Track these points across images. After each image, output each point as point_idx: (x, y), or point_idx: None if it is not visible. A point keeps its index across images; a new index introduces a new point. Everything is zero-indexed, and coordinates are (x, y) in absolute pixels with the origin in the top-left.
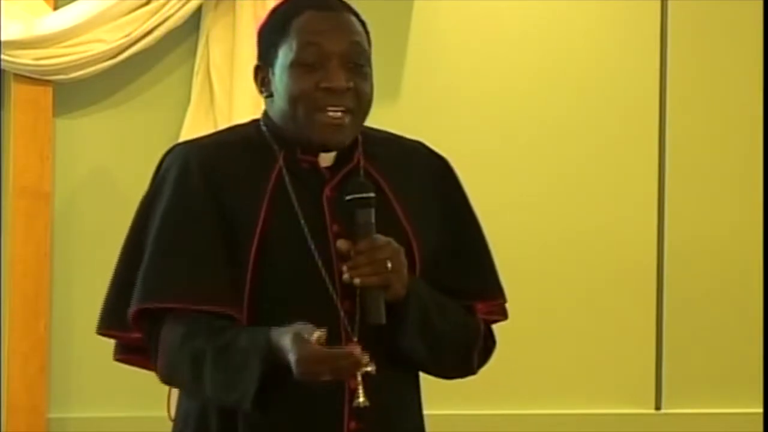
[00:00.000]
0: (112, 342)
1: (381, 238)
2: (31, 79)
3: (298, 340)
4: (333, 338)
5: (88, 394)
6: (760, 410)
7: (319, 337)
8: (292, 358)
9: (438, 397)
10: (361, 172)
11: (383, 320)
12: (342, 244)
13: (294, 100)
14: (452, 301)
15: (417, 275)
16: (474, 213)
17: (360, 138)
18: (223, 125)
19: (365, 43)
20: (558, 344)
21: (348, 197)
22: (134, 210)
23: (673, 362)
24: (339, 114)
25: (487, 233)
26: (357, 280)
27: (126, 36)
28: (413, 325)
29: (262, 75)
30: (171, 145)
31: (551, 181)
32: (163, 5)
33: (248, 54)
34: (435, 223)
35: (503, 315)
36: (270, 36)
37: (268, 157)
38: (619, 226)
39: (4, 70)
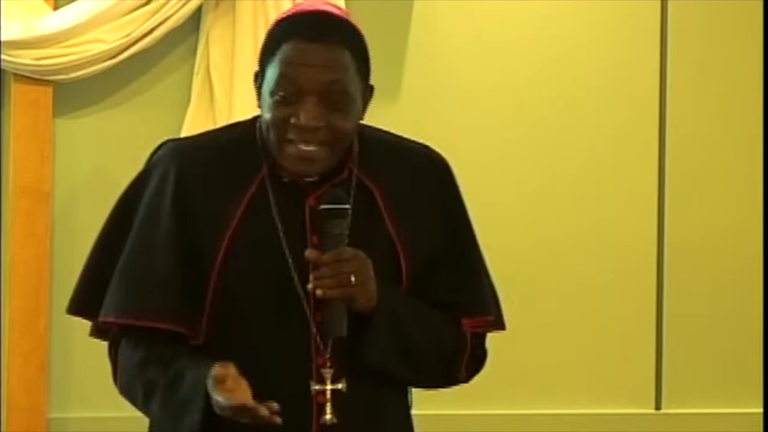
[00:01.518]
0: None
1: (348, 251)
2: (31, 79)
3: (213, 386)
4: (304, 351)
5: (88, 394)
6: (760, 410)
7: (216, 376)
8: (214, 403)
9: (438, 397)
10: (353, 182)
11: (344, 333)
12: (310, 253)
13: (267, 126)
14: (437, 312)
15: (404, 286)
16: (471, 225)
17: (357, 146)
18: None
19: (349, 79)
20: (558, 344)
21: (321, 207)
22: None
23: (673, 362)
24: (310, 148)
25: (487, 233)
26: (319, 292)
27: (126, 36)
28: (383, 338)
29: (258, 83)
30: None
31: (551, 180)
32: (163, 5)
33: (248, 54)
34: (432, 234)
35: (495, 328)
36: (264, 51)
37: (254, 163)
38: (619, 226)
39: (4, 70)
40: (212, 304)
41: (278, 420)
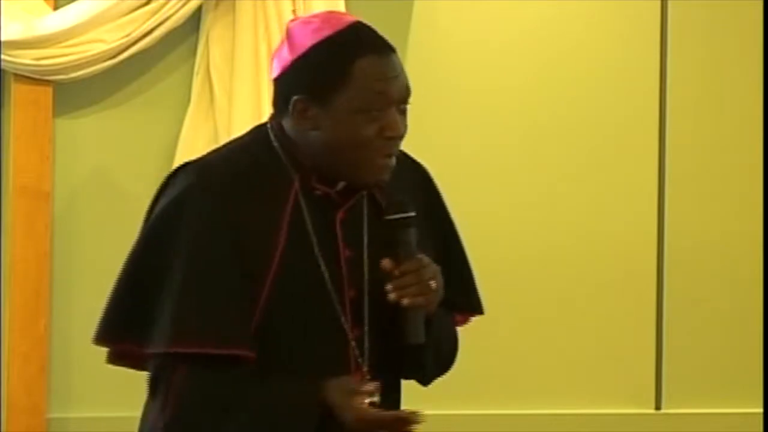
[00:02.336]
0: None
1: (425, 258)
2: (31, 79)
3: (347, 397)
4: (342, 366)
5: (88, 394)
6: (760, 410)
7: (371, 392)
8: (345, 416)
9: (438, 397)
10: (365, 192)
11: (423, 339)
12: (386, 263)
13: (354, 146)
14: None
15: None
16: (454, 224)
17: None
18: (222, 125)
19: None
20: (558, 344)
21: (389, 218)
22: (134, 209)
23: (673, 362)
24: (392, 157)
25: (487, 233)
26: (406, 300)
27: (126, 36)
28: (433, 341)
29: (304, 107)
30: (170, 145)
31: (551, 180)
32: (163, 5)
33: (248, 54)
34: (428, 235)
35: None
36: (326, 74)
37: (282, 183)
38: (619, 226)
39: (4, 70)
40: (258, 325)
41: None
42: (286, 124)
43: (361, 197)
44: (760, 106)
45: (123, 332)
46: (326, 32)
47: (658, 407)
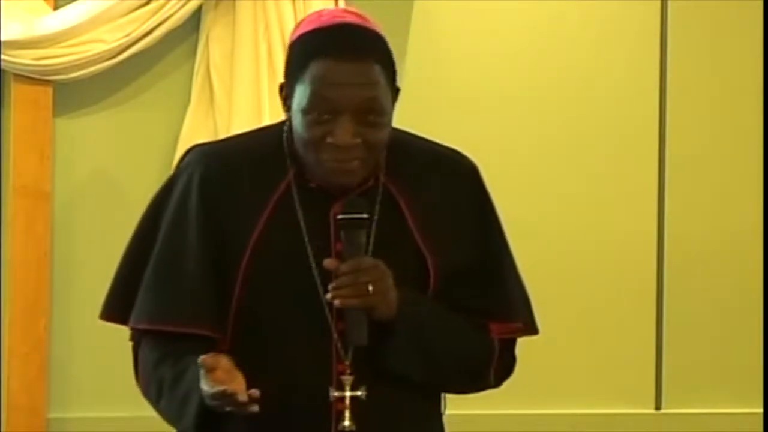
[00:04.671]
0: (112, 341)
1: (367, 260)
2: (31, 79)
3: (202, 375)
4: (325, 358)
5: (88, 394)
6: (760, 410)
7: (204, 364)
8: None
9: None
10: (380, 190)
11: (365, 342)
12: (329, 263)
13: (303, 145)
14: (465, 319)
15: (431, 293)
16: (501, 230)
17: (385, 153)
18: (222, 125)
19: (381, 93)
20: (558, 344)
21: (340, 216)
22: (134, 209)
23: (673, 362)
24: (347, 163)
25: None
26: (337, 301)
27: (126, 36)
28: (404, 346)
29: (285, 93)
30: (170, 145)
31: (551, 180)
32: (163, 5)
33: (248, 54)
34: (463, 242)
35: (525, 334)
36: (290, 66)
37: (280, 168)
38: (619, 226)
39: (4, 70)
40: (237, 309)
41: (255, 408)
42: None
43: (374, 192)
44: (761, 107)
45: (122, 311)
46: (309, 27)
47: (658, 407)
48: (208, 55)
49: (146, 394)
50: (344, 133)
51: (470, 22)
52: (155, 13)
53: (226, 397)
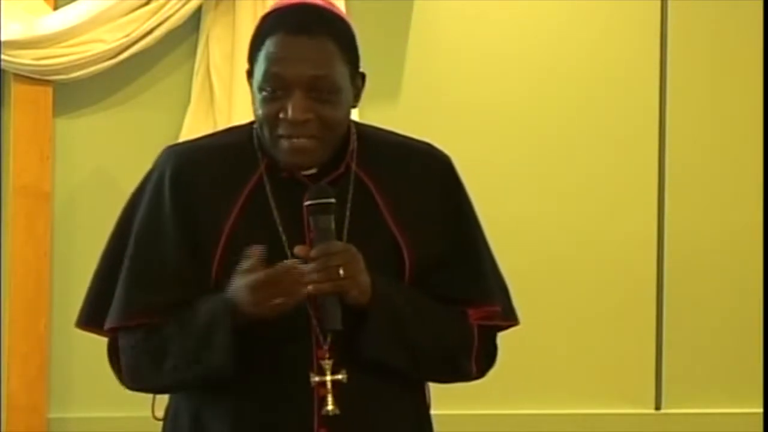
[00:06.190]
0: None
1: (336, 245)
2: (31, 79)
3: (239, 276)
4: (304, 344)
5: (88, 394)
6: (760, 410)
7: (254, 254)
8: (241, 297)
9: (438, 397)
10: (351, 177)
11: (339, 326)
12: (299, 250)
13: (260, 122)
14: (443, 306)
15: (407, 281)
16: (475, 216)
17: (354, 143)
18: (222, 125)
19: (335, 70)
20: (558, 344)
21: (306, 203)
22: None
23: (673, 362)
24: (302, 141)
25: (486, 234)
26: (309, 287)
27: (126, 36)
28: (379, 330)
29: (249, 75)
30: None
31: (550, 180)
32: (163, 5)
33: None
34: (437, 228)
35: (505, 320)
36: (251, 47)
37: (251, 163)
38: (619, 226)
39: (4, 70)
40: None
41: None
42: None
43: (345, 180)
44: (761, 107)
45: (99, 318)
46: (273, 8)
47: (658, 407)
48: (208, 55)
49: (135, 376)
50: (295, 108)
51: (470, 22)
52: (155, 13)
53: (285, 275)
